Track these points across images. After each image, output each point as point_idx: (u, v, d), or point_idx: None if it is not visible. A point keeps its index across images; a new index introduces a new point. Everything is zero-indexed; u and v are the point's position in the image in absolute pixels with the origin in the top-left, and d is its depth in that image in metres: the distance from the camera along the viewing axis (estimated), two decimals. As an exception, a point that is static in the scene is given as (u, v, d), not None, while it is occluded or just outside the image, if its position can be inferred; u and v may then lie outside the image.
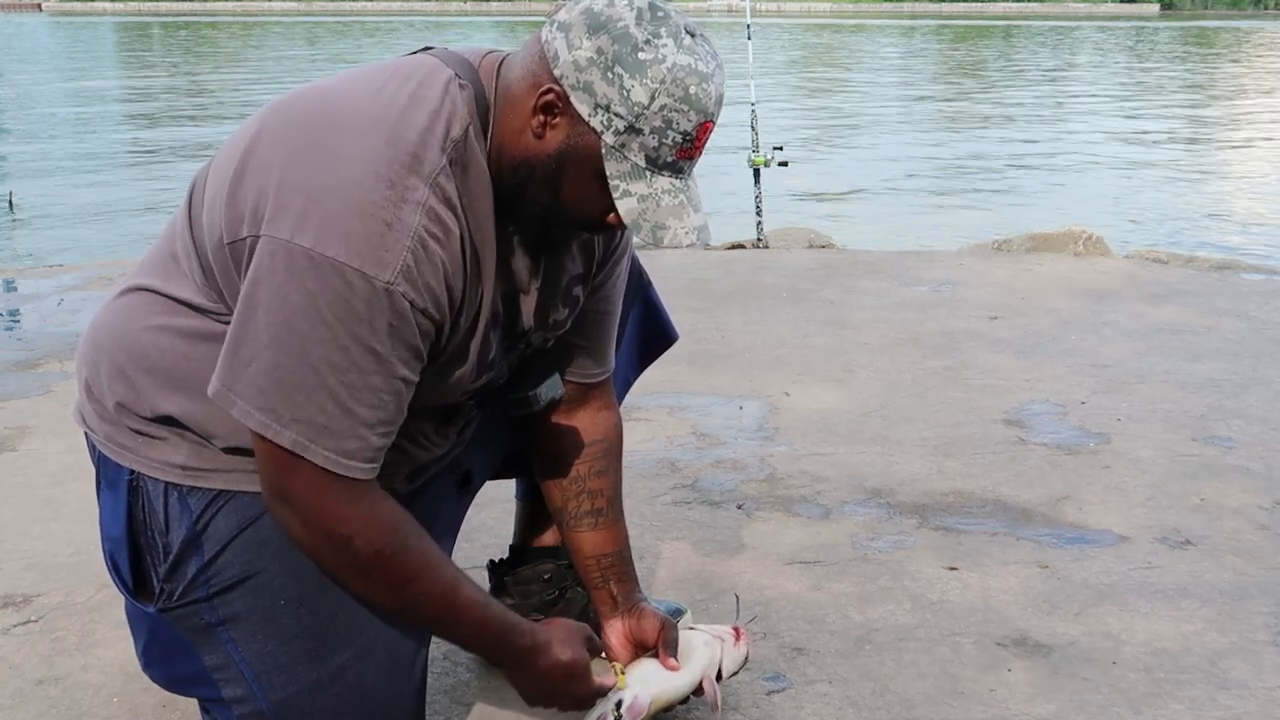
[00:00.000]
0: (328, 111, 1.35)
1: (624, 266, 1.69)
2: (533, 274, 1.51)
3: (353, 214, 1.27)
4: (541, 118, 1.35)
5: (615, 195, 1.35)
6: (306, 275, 1.27)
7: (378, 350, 1.30)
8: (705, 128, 1.35)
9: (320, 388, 1.29)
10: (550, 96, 1.34)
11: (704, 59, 1.33)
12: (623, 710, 1.57)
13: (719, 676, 1.68)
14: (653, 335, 1.93)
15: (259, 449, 1.34)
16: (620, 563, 1.73)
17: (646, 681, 1.61)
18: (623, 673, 1.62)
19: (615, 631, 1.69)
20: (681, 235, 1.36)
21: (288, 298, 1.27)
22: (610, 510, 1.73)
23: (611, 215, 1.38)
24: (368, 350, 1.29)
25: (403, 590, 1.40)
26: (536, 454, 1.75)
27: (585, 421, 1.72)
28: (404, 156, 1.31)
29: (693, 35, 1.34)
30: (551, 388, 1.64)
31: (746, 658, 1.73)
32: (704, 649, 1.67)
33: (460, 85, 1.38)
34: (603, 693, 1.57)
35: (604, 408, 1.74)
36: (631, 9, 1.32)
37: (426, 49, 1.47)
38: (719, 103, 1.36)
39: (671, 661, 1.64)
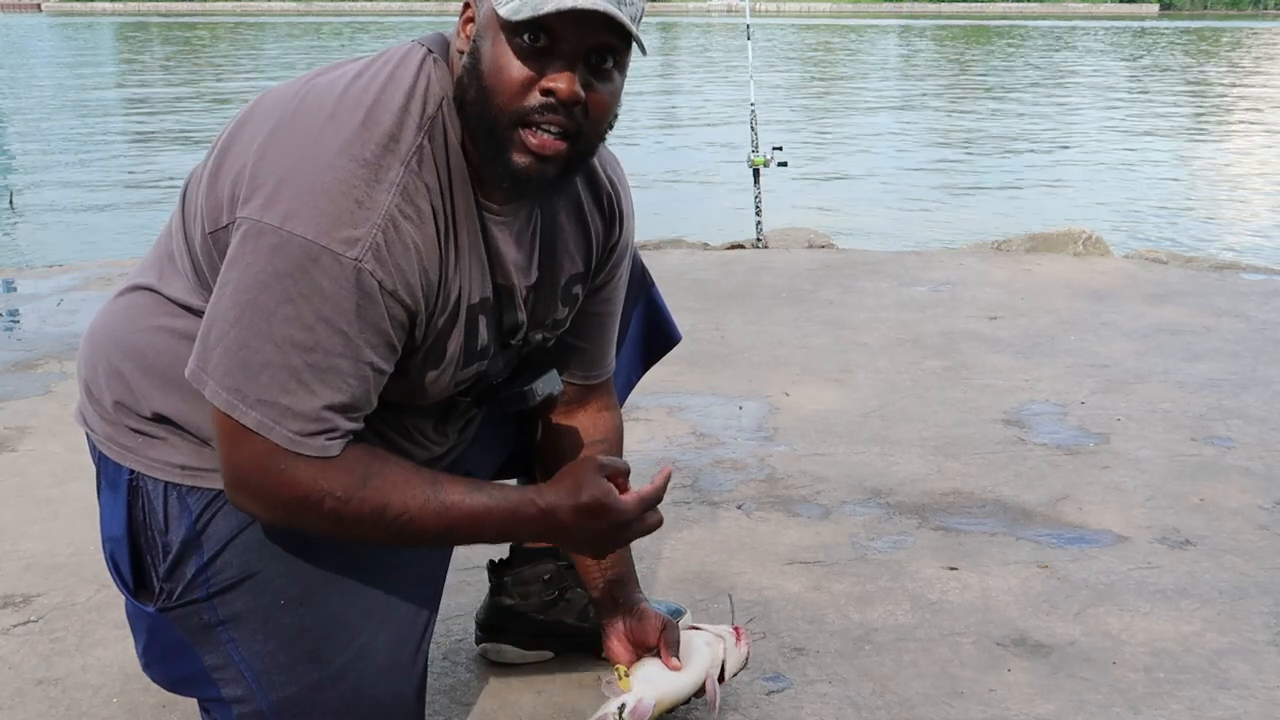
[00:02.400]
0: (305, 98, 1.36)
1: (624, 268, 1.69)
2: (527, 265, 1.51)
3: (323, 192, 1.27)
4: (464, 31, 1.36)
5: (498, 5, 1.28)
6: (274, 253, 1.26)
7: (345, 331, 1.29)
8: None
9: (284, 367, 1.28)
10: (468, 10, 1.36)
11: None
12: (626, 713, 1.56)
13: (721, 677, 1.68)
14: (655, 336, 1.93)
15: (219, 426, 1.32)
16: (620, 563, 1.72)
17: (650, 682, 1.61)
18: (626, 675, 1.61)
19: (616, 632, 1.69)
20: None
21: (256, 275, 1.27)
22: (610, 511, 1.73)
23: (543, 80, 1.28)
24: (334, 330, 1.28)
25: (382, 521, 1.35)
26: (537, 454, 1.75)
27: (586, 422, 1.72)
28: (380, 136, 1.31)
29: None
30: (548, 383, 1.63)
31: (747, 658, 1.73)
32: (706, 649, 1.67)
33: (435, 60, 1.39)
34: (650, 504, 1.45)
35: (604, 408, 1.74)
36: None
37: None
38: None
39: (674, 662, 1.64)
